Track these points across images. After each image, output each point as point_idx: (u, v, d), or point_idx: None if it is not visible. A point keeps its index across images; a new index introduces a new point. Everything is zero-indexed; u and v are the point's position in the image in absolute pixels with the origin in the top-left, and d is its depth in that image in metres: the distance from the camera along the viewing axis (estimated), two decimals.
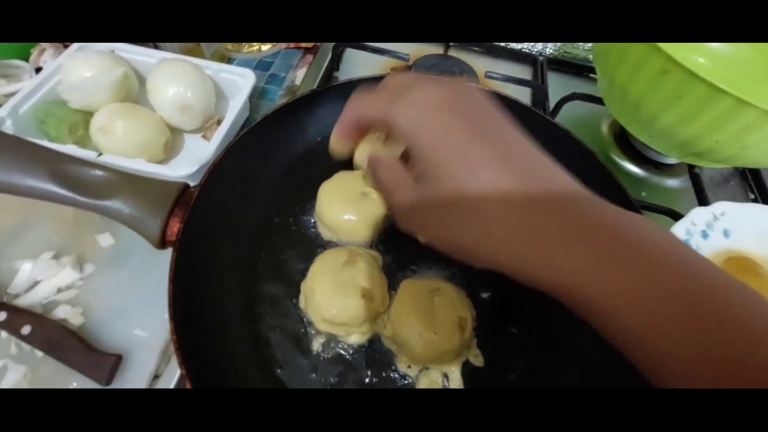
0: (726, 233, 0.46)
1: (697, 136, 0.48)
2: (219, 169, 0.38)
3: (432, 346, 0.35)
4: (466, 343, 0.36)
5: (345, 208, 0.42)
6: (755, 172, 0.66)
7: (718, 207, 0.46)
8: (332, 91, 0.46)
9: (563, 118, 0.66)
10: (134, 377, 0.39)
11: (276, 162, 0.44)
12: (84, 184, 0.35)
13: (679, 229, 0.44)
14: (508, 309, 0.40)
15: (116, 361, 0.39)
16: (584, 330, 0.37)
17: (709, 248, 0.45)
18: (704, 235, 0.45)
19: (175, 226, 0.35)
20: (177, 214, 0.36)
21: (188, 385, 0.29)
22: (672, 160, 0.63)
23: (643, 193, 0.60)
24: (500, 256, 0.24)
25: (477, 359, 0.37)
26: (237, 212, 0.40)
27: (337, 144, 0.33)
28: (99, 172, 0.36)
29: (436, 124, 0.25)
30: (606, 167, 0.42)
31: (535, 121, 0.45)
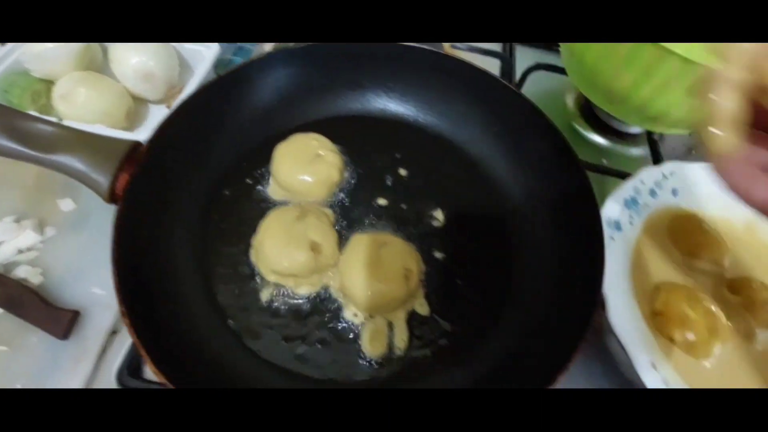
0: (674, 192, 0.47)
1: (650, 98, 0.49)
2: (171, 127, 0.38)
3: (377, 295, 0.36)
4: (411, 292, 0.37)
5: (300, 169, 0.43)
6: None
7: (668, 167, 0.47)
8: (291, 54, 0.46)
9: (530, 91, 0.66)
10: (91, 332, 0.40)
11: (232, 123, 0.44)
12: (35, 138, 0.36)
13: (627, 187, 0.45)
14: (458, 267, 0.41)
15: (73, 316, 0.40)
16: (525, 290, 0.39)
17: (657, 206, 0.46)
18: (652, 193, 0.46)
19: (124, 180, 0.36)
20: (127, 169, 0.36)
21: (129, 328, 0.29)
22: (635, 130, 0.64)
23: (604, 160, 0.62)
24: None
25: (422, 308, 0.38)
26: (190, 169, 0.41)
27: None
28: (50, 128, 0.36)
29: None
30: (562, 135, 0.42)
31: (500, 91, 0.46)
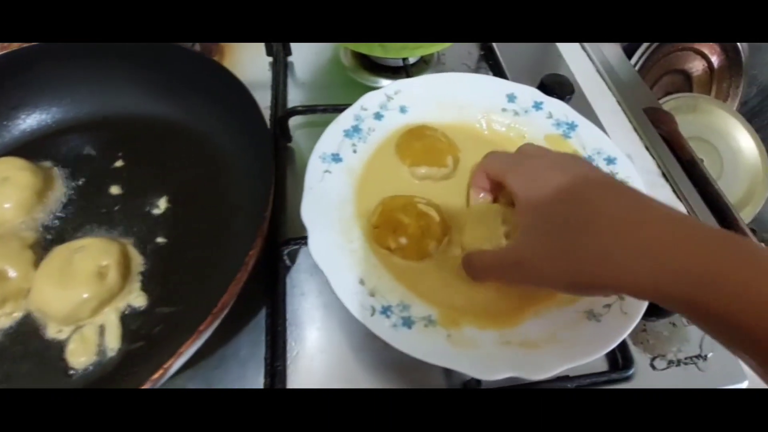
0: (403, 109, 0.47)
1: None
2: None
3: (66, 301, 0.34)
4: (111, 289, 0.35)
5: None
6: (498, 69, 0.68)
7: (392, 87, 0.48)
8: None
9: (304, 60, 0.65)
10: None
11: None
12: None
13: (345, 118, 0.44)
14: (181, 247, 0.40)
15: None
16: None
17: (385, 128, 0.46)
18: (378, 116, 0.46)
19: None
20: None
21: None
22: (400, 62, 0.65)
23: None
24: (614, 271, 0.26)
25: (138, 300, 0.36)
26: None
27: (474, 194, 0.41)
28: None
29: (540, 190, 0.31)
30: (242, 85, 0.42)
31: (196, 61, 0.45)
